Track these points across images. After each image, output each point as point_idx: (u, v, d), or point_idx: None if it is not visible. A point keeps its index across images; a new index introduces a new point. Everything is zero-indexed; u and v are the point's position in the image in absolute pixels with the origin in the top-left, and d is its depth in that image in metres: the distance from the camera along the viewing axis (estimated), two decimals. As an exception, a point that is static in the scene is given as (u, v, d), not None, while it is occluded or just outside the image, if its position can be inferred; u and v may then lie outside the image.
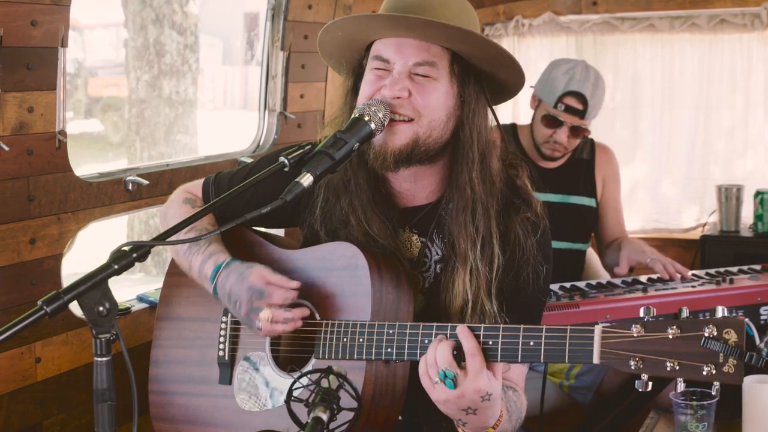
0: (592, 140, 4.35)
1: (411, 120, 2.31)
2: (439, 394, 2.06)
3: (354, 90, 2.46)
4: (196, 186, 2.72)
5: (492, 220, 2.38)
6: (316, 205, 2.50)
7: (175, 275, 2.68)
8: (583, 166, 4.30)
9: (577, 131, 4.06)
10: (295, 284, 2.32)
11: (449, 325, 2.12)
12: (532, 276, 2.40)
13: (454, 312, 2.35)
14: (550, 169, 4.19)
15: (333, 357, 2.28)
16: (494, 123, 2.46)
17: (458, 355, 2.06)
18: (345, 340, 2.26)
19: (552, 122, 4.05)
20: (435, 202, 2.46)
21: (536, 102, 4.17)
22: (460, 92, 2.37)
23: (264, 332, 2.31)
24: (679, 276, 3.76)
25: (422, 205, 2.47)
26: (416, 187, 2.45)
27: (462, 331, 2.07)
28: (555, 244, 3.79)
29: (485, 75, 2.41)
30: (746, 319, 3.19)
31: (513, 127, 4.29)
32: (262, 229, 2.73)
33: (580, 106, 4.01)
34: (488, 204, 2.39)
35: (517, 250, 2.40)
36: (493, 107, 2.46)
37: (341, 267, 2.35)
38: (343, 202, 2.44)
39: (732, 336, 1.87)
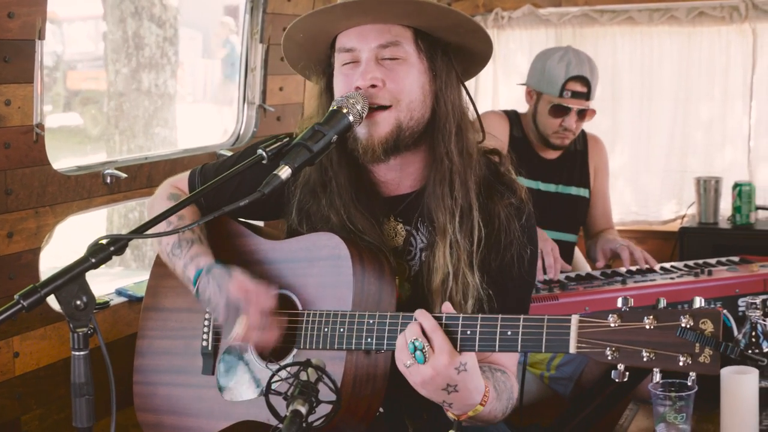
0: (583, 131, 4.40)
1: (389, 107, 2.31)
2: (414, 376, 2.07)
3: (328, 90, 2.46)
4: (182, 180, 2.71)
5: (471, 192, 2.39)
6: (293, 206, 2.50)
7: (161, 266, 2.67)
8: (578, 158, 4.36)
9: (583, 114, 4.14)
10: (273, 292, 2.34)
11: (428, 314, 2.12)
12: (517, 259, 2.41)
13: (436, 288, 2.35)
14: (549, 160, 4.26)
15: (314, 347, 2.28)
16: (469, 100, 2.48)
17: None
18: (326, 330, 2.27)
19: (560, 111, 4.11)
20: (419, 190, 2.46)
21: (535, 96, 4.21)
22: (431, 66, 2.38)
23: (238, 341, 2.33)
24: (645, 264, 3.81)
25: (407, 193, 2.47)
26: (402, 175, 2.45)
27: (420, 314, 2.09)
28: (547, 234, 3.82)
29: (452, 47, 2.41)
30: (725, 311, 3.21)
31: (516, 115, 4.32)
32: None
33: (584, 89, 4.09)
34: (466, 176, 2.39)
35: (502, 235, 2.41)
36: (467, 86, 2.48)
37: (324, 257, 2.35)
38: (323, 203, 2.44)
39: (708, 326, 1.88)
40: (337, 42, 2.40)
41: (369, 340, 2.20)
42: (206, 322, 2.54)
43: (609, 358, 1.93)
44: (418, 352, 2.05)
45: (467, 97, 2.47)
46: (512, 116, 4.30)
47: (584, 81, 4.08)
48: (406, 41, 2.34)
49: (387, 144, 2.33)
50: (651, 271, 3.79)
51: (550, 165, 4.23)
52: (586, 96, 4.10)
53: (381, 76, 2.31)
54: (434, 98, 2.38)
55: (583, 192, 4.35)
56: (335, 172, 2.43)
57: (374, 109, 2.31)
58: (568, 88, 4.07)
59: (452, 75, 2.41)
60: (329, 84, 2.45)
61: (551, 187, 4.22)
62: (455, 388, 2.08)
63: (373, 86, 2.30)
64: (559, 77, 4.08)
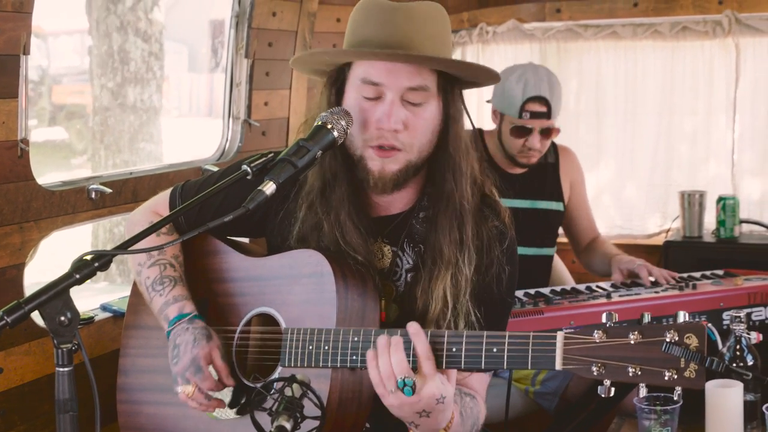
0: (554, 143, 4.37)
1: (402, 150, 2.33)
2: (393, 400, 2.07)
3: (337, 99, 2.43)
4: (162, 204, 2.69)
5: (470, 224, 2.41)
6: (293, 211, 2.49)
7: None
8: (548, 170, 4.31)
9: (547, 132, 4.09)
10: (230, 383, 2.36)
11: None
12: (496, 279, 2.42)
13: (432, 317, 2.35)
14: (517, 175, 4.20)
15: (298, 365, 2.27)
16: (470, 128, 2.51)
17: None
18: (310, 347, 2.26)
19: (522, 132, 4.06)
20: (407, 212, 2.47)
21: (498, 117, 4.17)
22: (444, 103, 2.39)
23: (179, 396, 2.37)
24: (664, 281, 3.79)
25: (395, 214, 2.48)
26: (394, 198, 2.46)
27: (416, 333, 2.08)
28: (523, 250, 3.84)
29: (464, 83, 2.45)
30: (709, 324, 3.22)
31: (480, 132, 4.29)
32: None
33: (543, 108, 4.03)
34: (470, 207, 2.41)
35: (484, 256, 2.42)
36: (470, 113, 2.50)
37: (307, 274, 2.35)
38: (320, 212, 2.43)
39: (693, 341, 1.88)
40: (361, 69, 2.36)
41: (354, 357, 2.20)
42: None
43: (595, 374, 1.94)
44: (407, 388, 2.05)
45: (468, 120, 2.49)
46: (475, 135, 4.28)
47: (543, 101, 4.02)
48: (432, 84, 2.35)
49: (398, 180, 2.36)
50: (636, 284, 3.80)
51: (518, 180, 4.17)
52: (547, 115, 4.04)
53: (404, 120, 2.31)
54: (440, 135, 2.40)
55: (555, 206, 4.31)
56: (337, 186, 2.42)
57: (385, 148, 2.33)
58: (527, 109, 4.02)
59: (460, 105, 2.44)
60: (338, 94, 2.43)
61: (518, 203, 4.16)
62: (428, 414, 2.09)
63: (395, 130, 2.31)
64: (516, 98, 4.03)
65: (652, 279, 3.80)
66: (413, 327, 2.09)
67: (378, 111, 2.32)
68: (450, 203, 2.39)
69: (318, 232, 2.43)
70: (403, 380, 2.04)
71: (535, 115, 4.03)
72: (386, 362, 2.08)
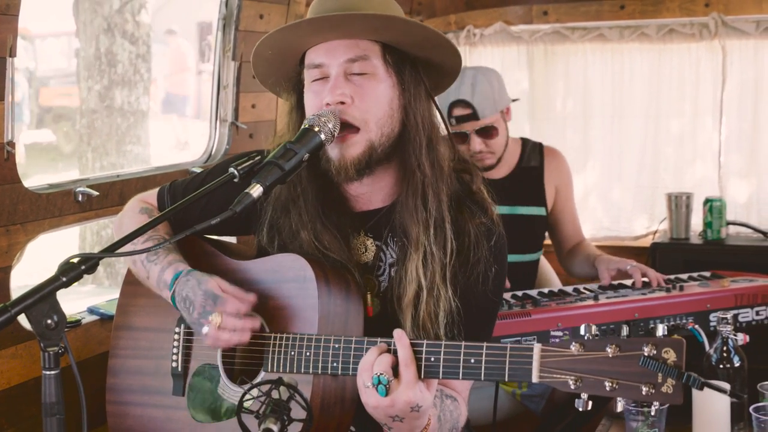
0: (540, 145, 4.31)
1: (359, 129, 2.32)
2: (368, 397, 2.08)
3: (299, 106, 2.46)
4: (151, 195, 2.72)
5: (443, 204, 2.39)
6: (265, 221, 2.50)
7: (131, 284, 2.66)
8: (532, 174, 4.24)
9: (486, 131, 4.00)
10: (252, 297, 2.30)
11: (393, 340, 2.11)
12: (482, 278, 2.41)
13: (409, 301, 2.35)
14: (496, 180, 4.12)
15: (281, 370, 2.27)
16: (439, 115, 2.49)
17: (395, 368, 2.07)
18: (293, 353, 2.26)
19: (459, 138, 3.99)
20: (390, 206, 2.46)
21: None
22: (399, 80, 2.39)
23: (210, 339, 2.27)
24: (656, 282, 3.76)
25: (377, 208, 2.48)
26: (372, 190, 2.45)
27: (399, 338, 2.07)
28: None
29: (420, 61, 2.43)
30: (696, 326, 3.23)
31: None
32: (216, 237, 2.73)
33: (467, 111, 3.96)
34: (439, 189, 2.40)
35: (471, 253, 2.41)
36: (436, 101, 2.49)
37: (290, 279, 2.35)
38: (292, 217, 2.44)
39: (671, 356, 1.86)
40: (306, 58, 2.40)
41: (335, 364, 2.20)
42: (175, 343, 2.53)
43: (572, 387, 1.92)
44: (381, 386, 2.05)
45: (437, 112, 2.48)
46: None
47: (464, 103, 3.96)
48: (374, 55, 2.35)
49: (360, 164, 2.34)
50: (623, 286, 3.80)
51: (497, 186, 4.09)
52: (474, 116, 3.96)
53: (350, 92, 2.31)
54: (403, 112, 2.39)
55: (537, 210, 4.25)
56: (304, 188, 2.43)
57: (345, 129, 2.31)
58: (453, 115, 3.97)
59: (421, 89, 2.43)
60: (300, 101, 2.45)
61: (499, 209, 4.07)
62: (401, 420, 2.09)
63: (342, 102, 2.30)
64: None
65: (645, 280, 3.79)
66: (397, 332, 2.09)
67: (325, 91, 2.33)
68: (413, 180, 2.38)
69: (295, 241, 2.43)
70: (378, 377, 2.05)
71: (461, 119, 3.97)
72: (371, 356, 2.09)
